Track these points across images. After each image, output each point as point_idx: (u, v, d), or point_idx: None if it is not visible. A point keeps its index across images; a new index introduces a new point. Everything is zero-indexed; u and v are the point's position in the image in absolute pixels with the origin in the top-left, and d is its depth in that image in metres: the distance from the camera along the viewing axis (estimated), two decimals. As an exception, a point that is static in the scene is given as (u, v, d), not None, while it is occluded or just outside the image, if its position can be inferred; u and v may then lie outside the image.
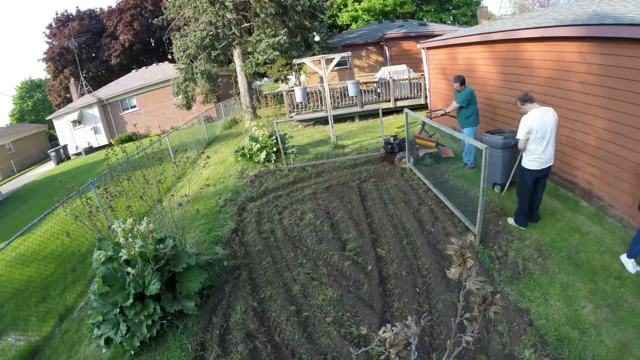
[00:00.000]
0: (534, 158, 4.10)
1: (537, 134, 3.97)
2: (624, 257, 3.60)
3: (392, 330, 1.59)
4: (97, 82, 31.83)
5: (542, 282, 3.55)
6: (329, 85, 8.98)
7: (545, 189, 4.45)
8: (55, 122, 25.00)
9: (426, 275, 3.92)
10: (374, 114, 12.25)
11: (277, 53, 13.53)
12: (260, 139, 8.80)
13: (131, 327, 3.46)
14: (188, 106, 16.31)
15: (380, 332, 1.61)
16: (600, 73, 4.30)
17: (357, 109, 12.04)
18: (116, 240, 3.76)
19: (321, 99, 12.50)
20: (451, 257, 1.73)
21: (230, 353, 3.29)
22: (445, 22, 25.68)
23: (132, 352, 3.44)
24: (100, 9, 34.78)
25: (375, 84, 13.23)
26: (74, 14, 34.21)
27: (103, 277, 3.57)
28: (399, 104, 12.11)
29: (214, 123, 17.17)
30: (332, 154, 8.41)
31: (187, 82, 15.09)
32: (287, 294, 3.97)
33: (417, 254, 4.31)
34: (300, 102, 12.38)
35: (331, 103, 10.97)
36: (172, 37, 15.91)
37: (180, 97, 16.10)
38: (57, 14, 35.09)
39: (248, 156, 8.83)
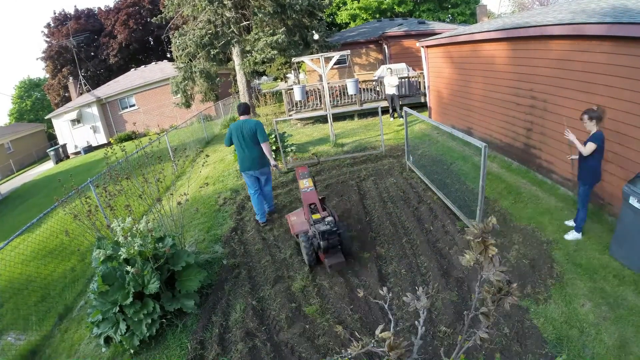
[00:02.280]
0: None
1: None
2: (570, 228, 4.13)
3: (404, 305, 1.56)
4: (95, 81, 31.79)
5: (541, 281, 3.55)
6: (328, 83, 8.97)
7: (549, 187, 4.35)
8: (54, 121, 24.95)
9: (425, 273, 3.92)
10: (373, 113, 12.22)
11: (276, 52, 13.50)
12: (259, 137, 8.77)
13: (131, 326, 3.46)
14: (187, 105, 16.28)
15: (377, 332, 1.56)
16: (600, 72, 4.30)
17: (357, 107, 12.03)
18: (115, 239, 3.76)
19: (320, 98, 12.48)
20: (468, 242, 1.45)
21: (230, 352, 3.29)
22: (443, 21, 25.64)
23: (132, 351, 3.44)
24: (99, 8, 34.70)
25: (374, 82, 13.21)
26: (72, 13, 34.13)
27: (102, 276, 3.57)
28: (399, 102, 12.08)
29: (213, 122, 17.13)
30: (332, 153, 8.40)
31: (186, 81, 15.05)
32: (286, 292, 3.97)
33: (416, 252, 4.31)
34: (300, 101, 12.36)
35: (330, 101, 10.95)
36: (170, 36, 15.86)
37: (179, 95, 16.06)
38: (55, 13, 35.06)
39: (247, 155, 8.80)
